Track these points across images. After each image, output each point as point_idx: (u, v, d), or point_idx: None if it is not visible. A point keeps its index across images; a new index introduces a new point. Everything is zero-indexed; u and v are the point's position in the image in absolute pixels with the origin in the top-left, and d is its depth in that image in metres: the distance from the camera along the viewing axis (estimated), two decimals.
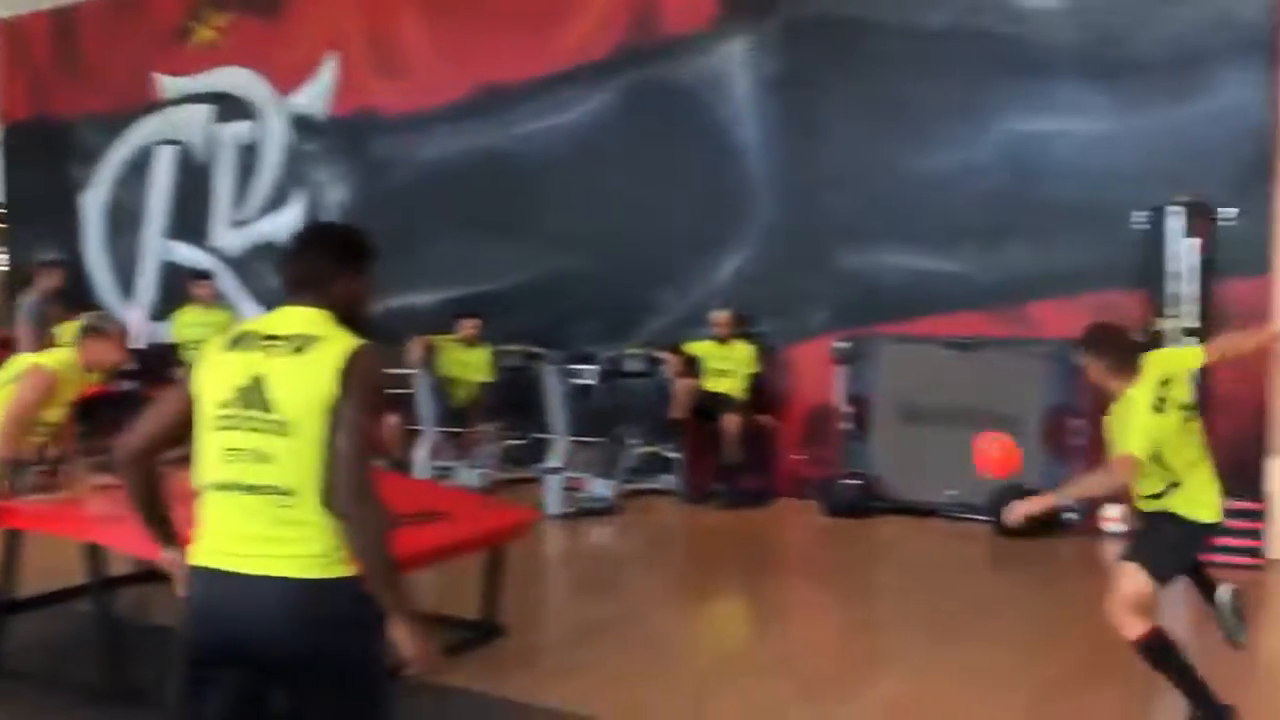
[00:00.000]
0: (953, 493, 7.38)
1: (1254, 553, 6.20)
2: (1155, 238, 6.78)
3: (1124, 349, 3.81)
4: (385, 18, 9.88)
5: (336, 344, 2.27)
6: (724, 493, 7.90)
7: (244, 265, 10.78)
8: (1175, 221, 6.70)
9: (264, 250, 10.63)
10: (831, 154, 8.11)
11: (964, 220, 7.64)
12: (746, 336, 8.28)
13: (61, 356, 4.68)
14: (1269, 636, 5.06)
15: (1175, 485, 3.67)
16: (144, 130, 11.44)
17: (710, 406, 8.04)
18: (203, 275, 9.87)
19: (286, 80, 10.42)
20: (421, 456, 8.35)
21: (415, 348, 8.46)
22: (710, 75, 8.50)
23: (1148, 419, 3.56)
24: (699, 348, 8.27)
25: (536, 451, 8.51)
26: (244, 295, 10.75)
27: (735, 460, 7.91)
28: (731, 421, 7.90)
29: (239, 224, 10.82)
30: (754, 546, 7.12)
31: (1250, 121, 6.76)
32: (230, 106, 10.81)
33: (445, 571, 4.92)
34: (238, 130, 10.78)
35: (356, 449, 2.20)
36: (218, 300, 9.90)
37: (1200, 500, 3.69)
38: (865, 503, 7.52)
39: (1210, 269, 6.67)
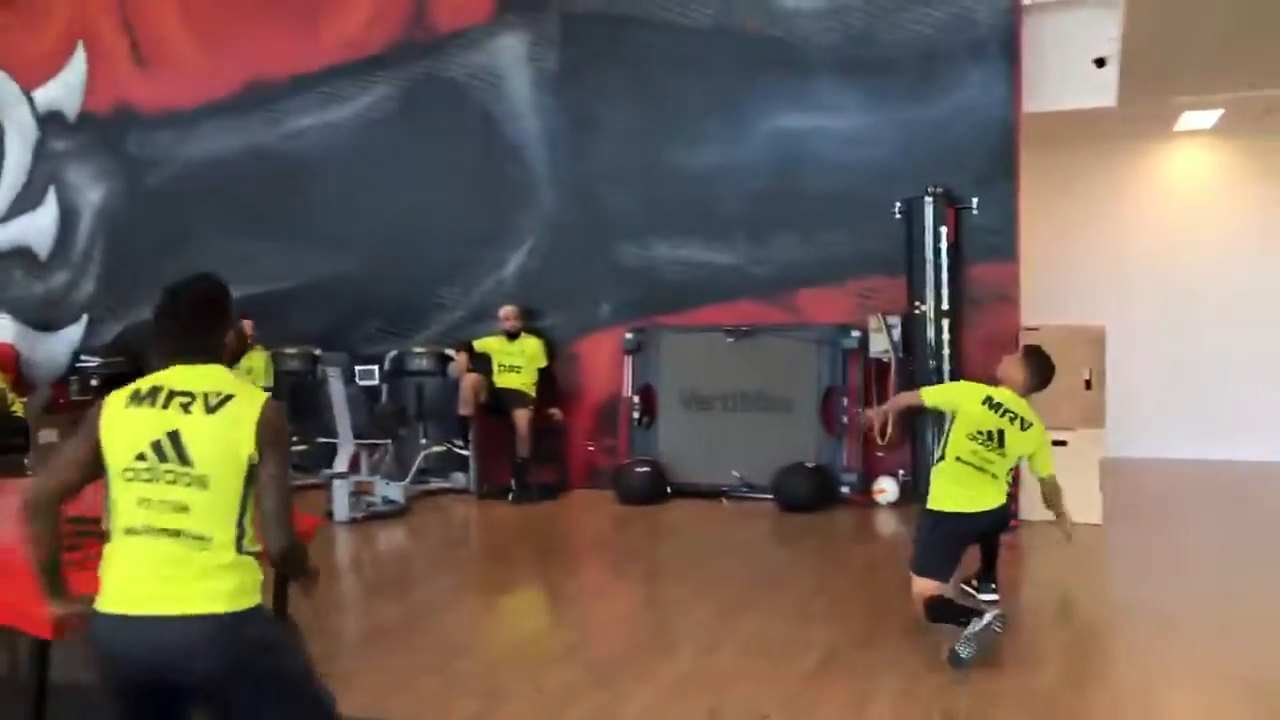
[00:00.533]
0: (737, 474, 7.67)
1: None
2: (911, 228, 7.25)
3: (1046, 378, 4.69)
4: (138, 6, 9.37)
5: (248, 401, 2.46)
6: (517, 488, 7.92)
7: None
8: (928, 211, 7.17)
9: (15, 256, 9.90)
10: (608, 149, 8.26)
11: (734, 213, 7.95)
12: (534, 331, 8.33)
13: None
14: (1028, 590, 5.52)
15: None
16: None
17: (500, 402, 8.04)
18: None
19: (30, 73, 9.73)
20: None
21: None
22: (487, 71, 8.49)
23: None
24: (487, 344, 8.26)
25: (322, 456, 8.31)
26: None
27: (527, 454, 7.94)
28: (522, 416, 7.93)
29: None
30: (547, 538, 7.18)
31: (994, 117, 7.31)
32: None
33: None
34: None
35: (281, 495, 2.48)
36: None
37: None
38: (655, 488, 7.72)
39: (958, 255, 7.19)
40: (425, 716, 3.91)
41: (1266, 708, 3.87)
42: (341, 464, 7.49)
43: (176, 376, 2.50)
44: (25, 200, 9.88)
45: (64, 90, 9.64)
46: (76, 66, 9.57)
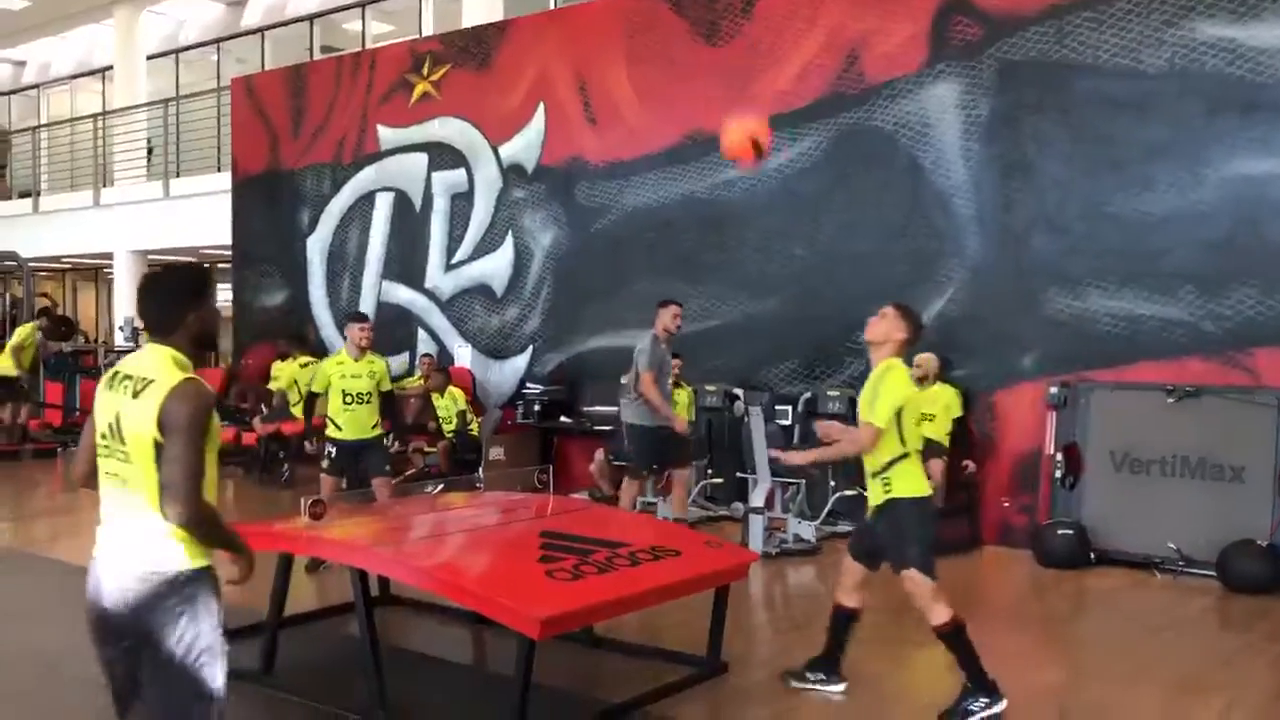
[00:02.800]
0: (1173, 545, 7.12)
1: None
2: None
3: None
4: (592, 68, 10.31)
5: (161, 387, 2.73)
6: None
7: (456, 306, 11.37)
8: None
9: (476, 292, 11.19)
10: (1040, 197, 8.01)
11: (1183, 264, 7.42)
12: (948, 380, 8.21)
13: None
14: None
15: None
16: (364, 179, 12.24)
17: None
18: (363, 317, 7.78)
19: (499, 130, 10.98)
20: (629, 493, 8.58)
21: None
22: (915, 119, 8.52)
23: None
24: None
25: (734, 490, 8.67)
26: (455, 334, 11.34)
27: (939, 506, 7.82)
28: (935, 466, 7.82)
29: (452, 267, 11.43)
30: (959, 594, 6.96)
31: None
32: (445, 155, 11.46)
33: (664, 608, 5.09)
34: (452, 178, 11.41)
35: (181, 471, 2.69)
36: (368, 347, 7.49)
37: None
38: (1079, 553, 7.33)
39: None
40: None
41: None
42: (758, 500, 7.76)
43: (130, 362, 2.86)
44: (487, 243, 11.14)
45: (524, 145, 10.80)
46: (537, 124, 10.70)
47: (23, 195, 18.26)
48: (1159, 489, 7.35)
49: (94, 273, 21.25)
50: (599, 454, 9.21)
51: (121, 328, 15.02)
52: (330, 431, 7.20)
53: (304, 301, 12.74)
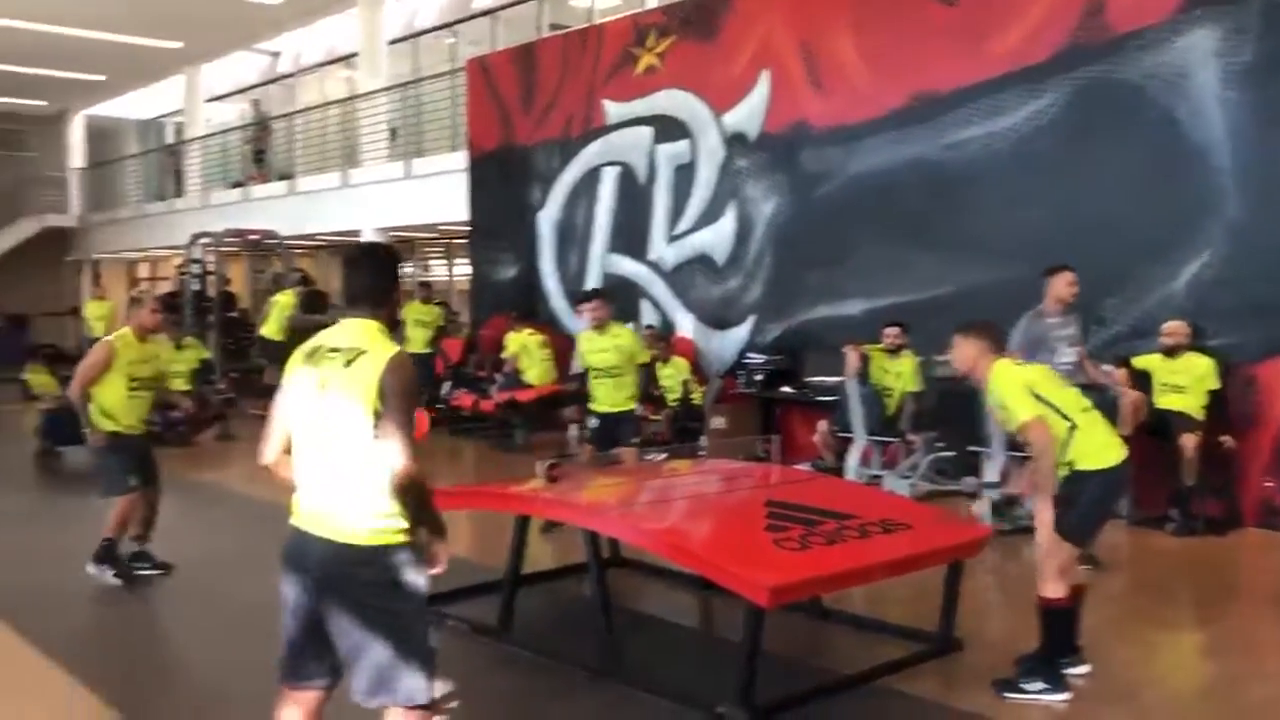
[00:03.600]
0: None
1: None
2: None
3: None
4: (817, 33, 10.13)
5: (377, 358, 2.86)
6: (1179, 518, 7.35)
7: (679, 276, 11.49)
8: None
9: (697, 263, 11.27)
10: None
11: None
12: (1202, 350, 7.65)
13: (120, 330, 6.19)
14: None
15: None
16: (590, 153, 12.51)
17: (1163, 424, 7.51)
18: (588, 297, 7.99)
19: (722, 99, 10.97)
20: (853, 463, 8.49)
21: (850, 356, 8.61)
22: (1166, 71, 7.94)
23: None
24: (1147, 361, 7.75)
25: (964, 465, 8.39)
26: (677, 304, 11.46)
27: (1192, 483, 7.34)
28: (1189, 441, 7.34)
29: (675, 238, 11.55)
30: (1218, 577, 6.58)
31: None
32: (669, 127, 11.56)
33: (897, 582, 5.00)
34: (675, 149, 11.50)
35: (394, 434, 2.81)
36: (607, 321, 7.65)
37: None
38: None
39: None
40: None
41: None
42: (991, 474, 7.50)
43: (334, 334, 2.99)
44: (710, 213, 11.18)
45: (748, 113, 10.74)
46: (760, 91, 10.61)
47: (281, 178, 19.68)
48: None
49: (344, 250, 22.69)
50: (822, 424, 9.13)
51: None
52: (591, 404, 7.63)
53: (535, 274, 13.18)
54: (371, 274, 3.02)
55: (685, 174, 11.43)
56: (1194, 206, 7.83)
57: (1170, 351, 7.61)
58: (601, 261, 12.39)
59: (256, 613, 5.30)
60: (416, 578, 2.92)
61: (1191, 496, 7.38)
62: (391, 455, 2.81)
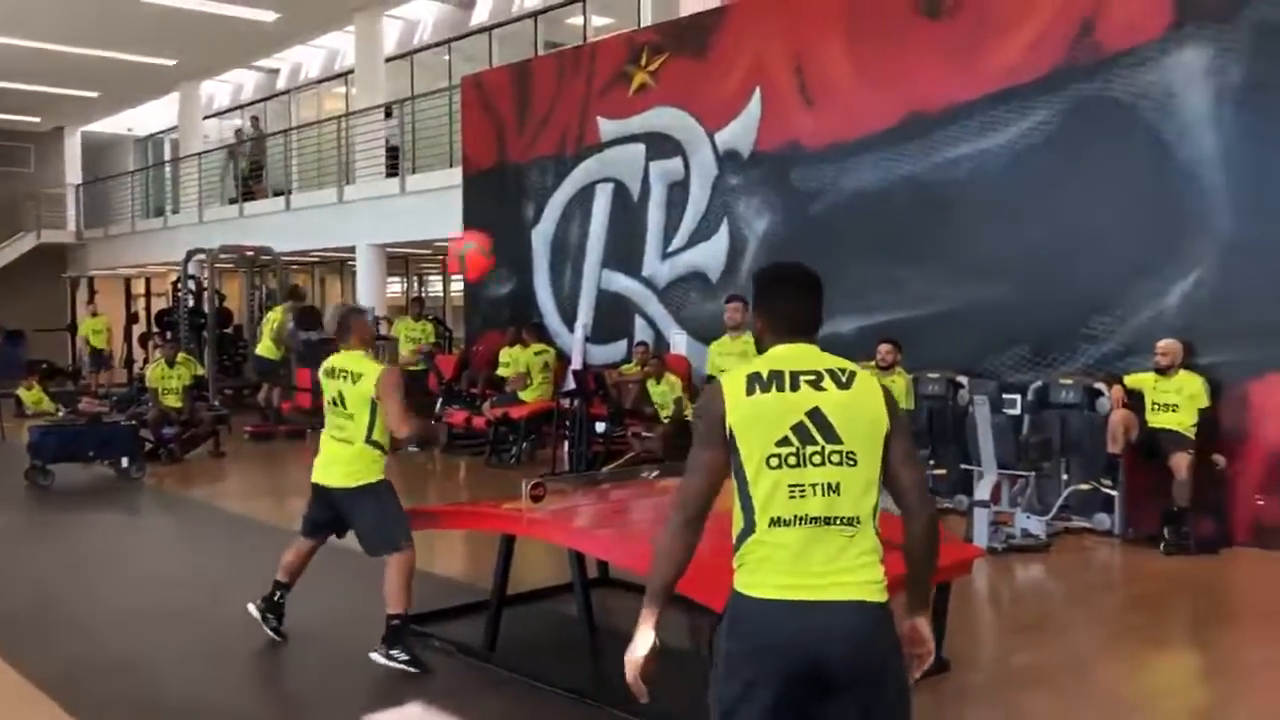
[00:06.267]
0: None
1: None
2: None
3: None
4: (810, 50, 10.14)
5: (867, 376, 2.51)
6: (1171, 536, 7.34)
7: (672, 293, 11.49)
8: None
9: (691, 279, 11.27)
10: None
11: None
12: (1193, 368, 7.65)
13: None
14: None
15: None
16: (585, 170, 12.51)
17: (1154, 442, 7.51)
18: (731, 298, 9.55)
19: (715, 117, 10.99)
20: None
21: None
22: (1157, 90, 7.96)
23: None
24: (1139, 379, 7.77)
25: (957, 482, 8.38)
26: (671, 321, 11.46)
27: (1186, 502, 7.33)
28: (1181, 460, 7.33)
29: (669, 255, 11.54)
30: (1209, 596, 6.55)
31: None
32: (662, 144, 11.57)
33: None
34: (669, 167, 11.51)
35: (917, 460, 2.53)
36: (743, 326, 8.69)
37: None
38: None
39: None
40: None
41: None
42: (983, 492, 7.47)
43: (796, 357, 2.48)
44: (702, 230, 11.17)
45: (741, 131, 10.75)
46: (752, 109, 10.63)
47: (277, 194, 19.70)
48: None
49: (339, 265, 22.69)
50: None
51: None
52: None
53: (529, 290, 13.17)
54: (819, 297, 2.63)
55: (679, 191, 11.43)
56: (1185, 225, 7.84)
57: (1163, 370, 7.61)
58: (596, 278, 12.39)
59: (246, 632, 5.28)
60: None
61: (1184, 516, 7.36)
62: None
